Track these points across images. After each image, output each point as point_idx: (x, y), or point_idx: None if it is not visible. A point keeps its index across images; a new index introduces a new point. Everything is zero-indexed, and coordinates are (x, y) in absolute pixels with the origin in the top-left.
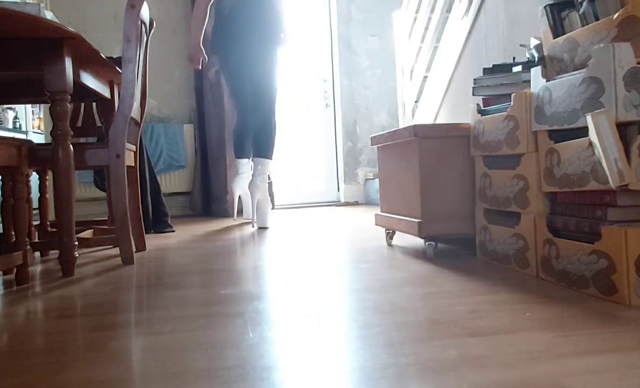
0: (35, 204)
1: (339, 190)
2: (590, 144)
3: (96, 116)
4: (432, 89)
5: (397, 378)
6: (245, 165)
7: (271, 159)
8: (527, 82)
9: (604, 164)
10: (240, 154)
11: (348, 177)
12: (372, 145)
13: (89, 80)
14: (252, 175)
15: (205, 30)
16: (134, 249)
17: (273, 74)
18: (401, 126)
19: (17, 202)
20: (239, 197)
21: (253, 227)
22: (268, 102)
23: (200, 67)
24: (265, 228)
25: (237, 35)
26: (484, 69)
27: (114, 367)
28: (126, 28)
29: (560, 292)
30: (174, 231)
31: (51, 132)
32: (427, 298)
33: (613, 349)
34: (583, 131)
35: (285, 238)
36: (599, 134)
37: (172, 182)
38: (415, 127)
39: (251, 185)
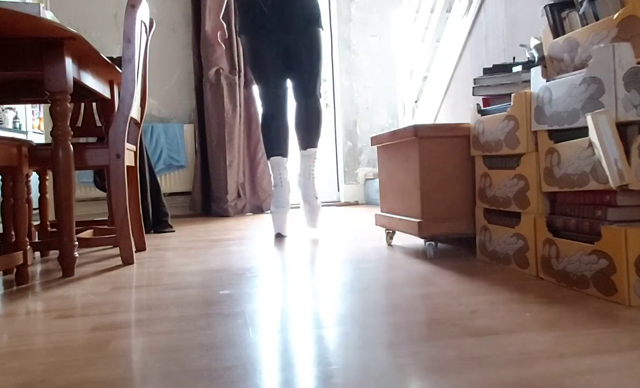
0: (35, 204)
1: (339, 190)
2: (590, 144)
3: (96, 116)
4: (432, 89)
5: (397, 378)
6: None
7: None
8: (527, 82)
9: (604, 163)
10: (283, 150)
11: (348, 177)
12: (372, 145)
13: (89, 80)
14: (301, 172)
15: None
16: (134, 249)
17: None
18: (401, 126)
19: (17, 202)
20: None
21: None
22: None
23: (224, 46)
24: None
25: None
26: (484, 69)
27: (114, 367)
28: (126, 28)
29: (560, 292)
30: (174, 231)
31: (51, 132)
32: (427, 298)
33: (613, 349)
34: (583, 131)
35: (285, 238)
36: (599, 134)
37: (172, 182)
38: (415, 127)
39: (304, 185)
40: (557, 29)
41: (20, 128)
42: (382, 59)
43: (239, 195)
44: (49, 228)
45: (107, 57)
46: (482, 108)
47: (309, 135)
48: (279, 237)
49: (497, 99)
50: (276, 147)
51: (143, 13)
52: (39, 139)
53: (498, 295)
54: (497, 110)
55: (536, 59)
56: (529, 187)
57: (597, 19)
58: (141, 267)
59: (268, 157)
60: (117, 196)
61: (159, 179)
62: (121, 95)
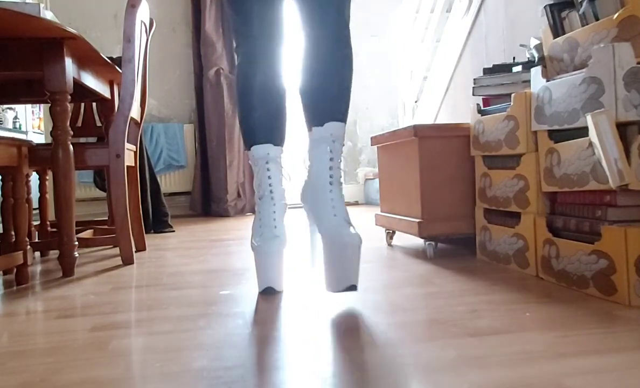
0: (35, 204)
1: None
2: (590, 144)
3: (96, 116)
4: (432, 89)
5: (397, 378)
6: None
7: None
8: (527, 82)
9: (604, 164)
10: (275, 134)
11: (348, 177)
12: (372, 145)
13: (89, 80)
14: (315, 174)
15: None
16: (134, 249)
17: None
18: (401, 126)
19: (17, 202)
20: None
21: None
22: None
23: None
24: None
25: None
26: (484, 69)
27: (114, 367)
28: (126, 28)
29: (560, 292)
30: (174, 231)
31: (51, 132)
32: (427, 298)
33: (613, 349)
34: (583, 131)
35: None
36: (599, 134)
37: (172, 182)
38: (415, 127)
39: (327, 200)
40: (557, 29)
41: (20, 128)
42: (382, 59)
43: (239, 195)
44: (49, 228)
45: (107, 57)
46: (482, 108)
47: (332, 98)
48: None
49: (497, 99)
50: (262, 126)
51: (143, 13)
52: (39, 139)
53: (498, 295)
54: (497, 110)
55: (536, 59)
56: (529, 187)
57: (597, 19)
58: (141, 267)
59: (247, 147)
60: (117, 196)
61: (159, 179)
62: (121, 95)
